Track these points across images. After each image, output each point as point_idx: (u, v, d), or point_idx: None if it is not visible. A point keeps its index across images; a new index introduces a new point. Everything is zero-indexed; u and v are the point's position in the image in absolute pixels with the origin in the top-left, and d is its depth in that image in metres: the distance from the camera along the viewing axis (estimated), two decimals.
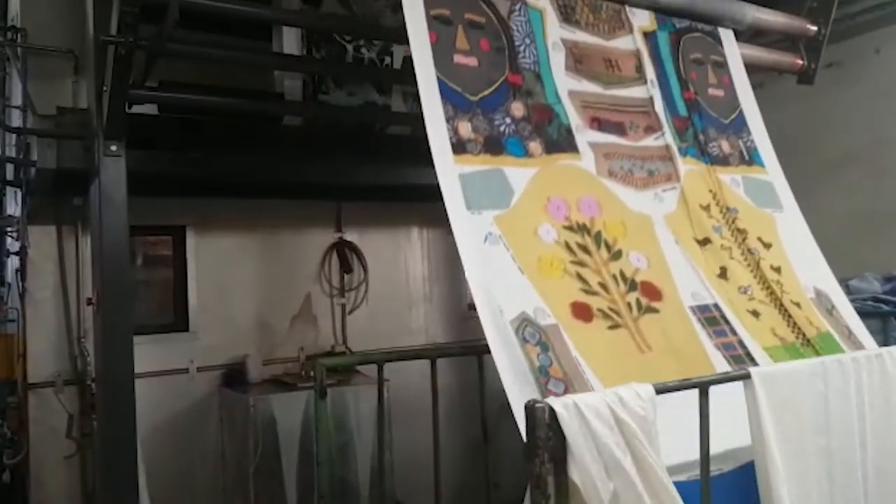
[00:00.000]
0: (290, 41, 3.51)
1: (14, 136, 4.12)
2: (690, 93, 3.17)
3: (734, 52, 3.42)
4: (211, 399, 5.00)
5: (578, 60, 2.81)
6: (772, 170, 3.32)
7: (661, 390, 1.93)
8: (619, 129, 2.82)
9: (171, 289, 5.05)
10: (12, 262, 4.74)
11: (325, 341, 5.45)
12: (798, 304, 2.86)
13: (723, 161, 3.15)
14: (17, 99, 4.28)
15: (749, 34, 3.46)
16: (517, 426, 1.84)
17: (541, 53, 2.71)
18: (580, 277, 2.39)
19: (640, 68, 3.00)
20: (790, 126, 5.26)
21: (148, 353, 4.32)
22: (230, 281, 5.13)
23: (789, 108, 5.11)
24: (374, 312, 5.64)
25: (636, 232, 2.63)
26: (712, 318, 2.61)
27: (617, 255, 2.52)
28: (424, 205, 5.72)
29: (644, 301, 2.47)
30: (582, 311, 2.32)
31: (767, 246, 3.01)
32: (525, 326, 2.18)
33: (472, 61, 2.52)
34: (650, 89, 2.99)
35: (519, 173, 2.47)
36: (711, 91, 3.28)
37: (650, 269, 2.57)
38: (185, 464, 4.87)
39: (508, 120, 2.53)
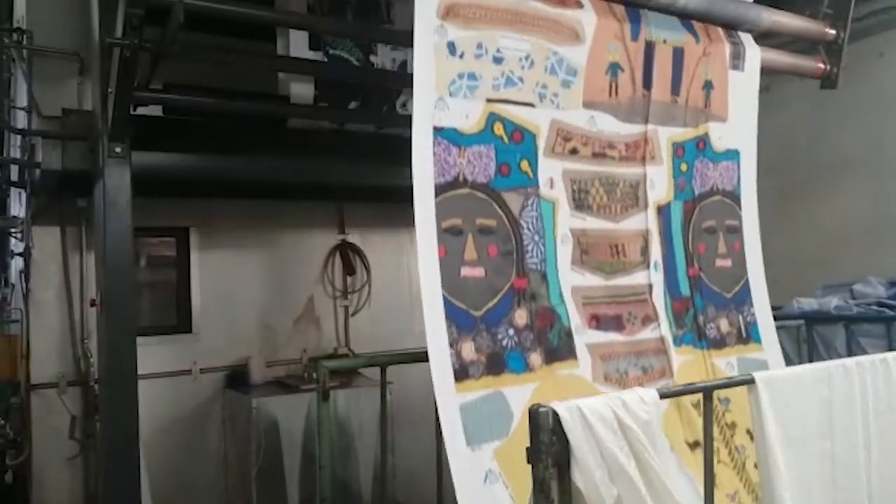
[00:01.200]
0: (297, 43, 3.50)
1: (19, 137, 4.13)
2: (695, 269, 3.10)
3: (751, 212, 3.32)
4: (213, 401, 5.01)
5: (585, 251, 2.75)
6: (768, 346, 3.26)
7: (664, 395, 1.93)
8: (616, 324, 2.78)
9: (174, 290, 5.06)
10: (16, 263, 4.75)
11: (327, 343, 5.45)
12: None
13: (719, 343, 3.10)
14: (22, 100, 4.29)
15: (763, 39, 3.37)
16: None
17: (549, 249, 2.66)
18: None
19: (645, 250, 2.93)
20: (795, 129, 5.27)
21: (151, 355, 4.33)
22: (233, 282, 5.14)
23: (794, 111, 5.12)
24: (376, 315, 5.64)
25: None
26: None
27: None
28: None
29: None
30: None
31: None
32: None
33: (478, 272, 2.45)
34: (651, 275, 2.92)
35: (519, 392, 2.43)
36: (718, 262, 3.21)
37: None
38: (188, 465, 4.87)
39: (511, 331, 2.49)
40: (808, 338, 4.18)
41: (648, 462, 1.78)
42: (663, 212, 3.00)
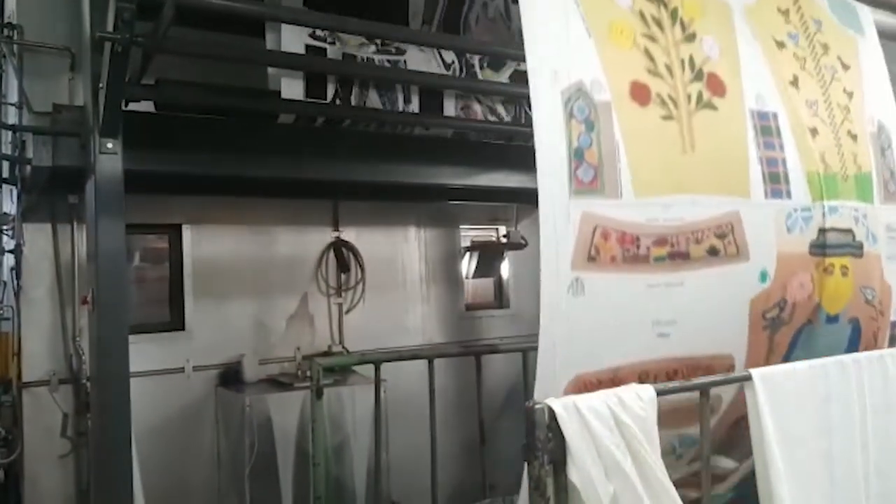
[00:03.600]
0: (289, 38, 3.48)
1: (10, 133, 4.09)
2: None
3: None
4: (207, 399, 4.98)
5: None
6: None
7: (661, 392, 1.92)
8: None
9: (166, 288, 5.03)
10: (7, 260, 4.71)
11: (321, 341, 5.43)
12: (855, 137, 2.74)
13: None
14: (12, 96, 4.25)
15: None
16: (515, 428, 1.82)
17: None
18: (648, 54, 2.22)
19: None
20: None
21: (143, 353, 4.30)
22: (226, 280, 5.12)
23: None
24: (371, 312, 5.62)
25: (714, 16, 2.45)
26: (767, 128, 2.46)
27: (690, 38, 2.34)
28: (422, 204, 5.76)
29: (706, 95, 2.32)
30: (640, 93, 2.18)
31: (846, 67, 2.85)
32: (577, 99, 2.06)
33: None
34: None
35: None
36: None
37: (721, 59, 2.39)
38: (181, 464, 4.85)
39: None
40: None
41: (645, 459, 1.78)
42: None
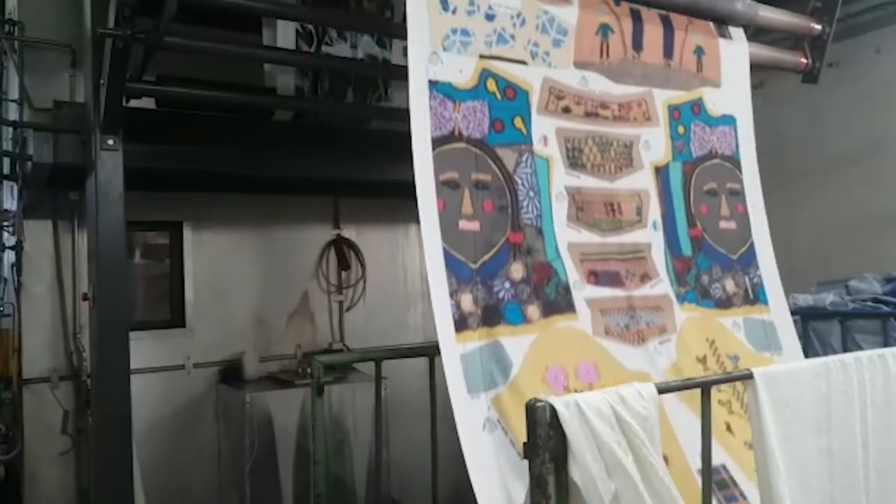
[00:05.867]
0: (284, 34, 3.47)
1: (10, 129, 4.09)
2: (698, 230, 3.10)
3: (752, 176, 3.33)
4: (207, 396, 4.98)
5: (580, 208, 2.77)
6: (775, 307, 3.25)
7: (662, 390, 1.91)
8: (615, 280, 2.78)
9: (167, 285, 5.03)
10: (8, 257, 4.71)
11: (322, 338, 5.43)
12: None
13: (725, 303, 3.10)
14: (13, 93, 4.25)
15: (751, 33, 3.43)
16: None
17: (544, 205, 2.68)
18: None
19: (640, 210, 2.94)
20: (790, 125, 5.26)
21: (144, 350, 4.31)
22: (227, 277, 5.11)
23: (789, 107, 5.10)
24: (371, 310, 5.62)
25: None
26: (721, 481, 2.54)
27: None
28: None
29: None
30: None
31: None
32: None
33: (474, 226, 2.48)
34: (650, 234, 2.94)
35: (517, 343, 2.44)
36: (722, 224, 3.21)
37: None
38: (181, 461, 4.85)
39: (507, 284, 2.50)
40: (803, 334, 4.17)
41: (646, 457, 1.77)
42: (661, 172, 3.04)
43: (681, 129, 3.12)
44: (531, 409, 1.69)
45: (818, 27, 3.59)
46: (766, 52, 3.59)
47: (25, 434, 4.37)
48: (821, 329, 4.15)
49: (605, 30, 2.85)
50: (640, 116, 2.99)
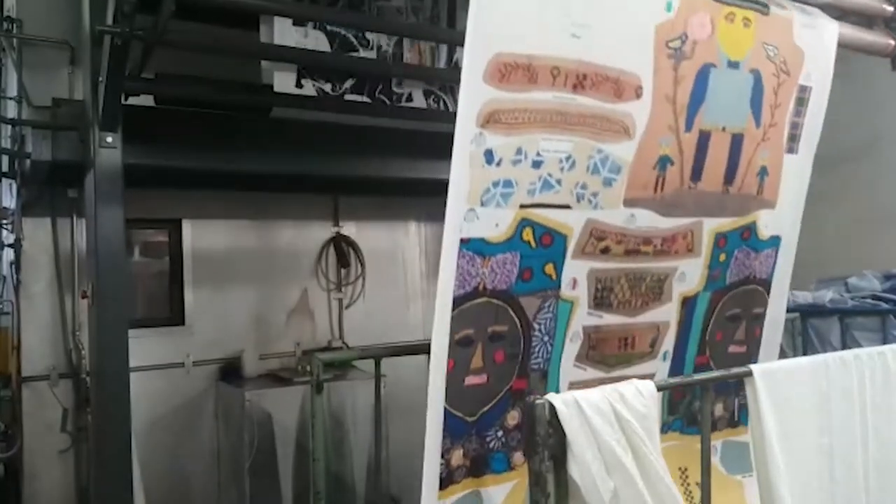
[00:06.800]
0: (282, 30, 3.46)
1: (9, 127, 4.10)
2: (705, 357, 2.88)
3: (780, 295, 3.01)
4: (206, 394, 4.99)
5: (593, 346, 2.57)
6: None
7: (662, 387, 1.91)
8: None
9: (166, 282, 5.03)
10: (7, 255, 4.71)
11: (321, 336, 5.43)
12: None
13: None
14: (12, 90, 4.25)
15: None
16: None
17: (556, 349, 2.49)
18: None
19: (654, 342, 2.72)
20: None
21: (143, 347, 4.30)
22: (226, 275, 5.11)
23: None
24: (371, 308, 5.62)
25: None
26: None
27: None
28: (422, 199, 5.74)
29: None
30: None
31: None
32: None
33: (481, 379, 2.33)
34: (657, 364, 2.74)
35: (496, 491, 2.38)
36: (732, 349, 2.97)
37: None
38: (181, 458, 4.85)
39: (500, 433, 2.40)
40: (802, 331, 4.18)
41: (645, 455, 1.76)
42: (688, 303, 2.77)
43: (722, 258, 2.81)
44: (530, 407, 1.69)
45: (890, 8, 3.29)
46: (858, 34, 3.31)
47: (25, 432, 4.37)
48: (820, 326, 4.15)
49: (664, 162, 2.49)
50: (682, 249, 2.68)
